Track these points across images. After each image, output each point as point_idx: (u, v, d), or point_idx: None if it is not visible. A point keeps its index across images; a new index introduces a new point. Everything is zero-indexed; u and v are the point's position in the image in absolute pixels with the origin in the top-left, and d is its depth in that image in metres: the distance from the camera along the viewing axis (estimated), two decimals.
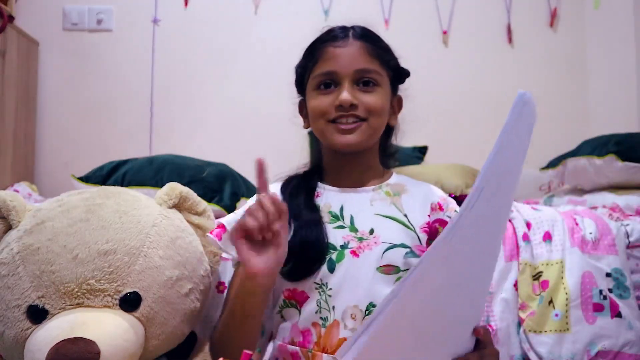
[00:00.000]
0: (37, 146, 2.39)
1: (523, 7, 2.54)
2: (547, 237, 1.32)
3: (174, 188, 0.98)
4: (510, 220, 1.36)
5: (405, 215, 0.95)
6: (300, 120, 1.07)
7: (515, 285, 1.27)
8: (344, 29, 1.02)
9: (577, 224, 1.34)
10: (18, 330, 0.81)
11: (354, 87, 0.95)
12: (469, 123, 2.52)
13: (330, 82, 0.96)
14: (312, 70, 0.99)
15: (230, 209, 1.49)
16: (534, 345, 1.21)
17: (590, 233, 1.32)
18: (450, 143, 2.49)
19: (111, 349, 0.75)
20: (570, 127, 2.51)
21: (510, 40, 2.54)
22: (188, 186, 1.46)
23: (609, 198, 1.63)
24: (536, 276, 1.28)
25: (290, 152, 2.54)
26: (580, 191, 1.85)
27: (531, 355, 1.20)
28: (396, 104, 1.05)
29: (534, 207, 1.42)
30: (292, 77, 2.56)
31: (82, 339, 0.74)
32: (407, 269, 0.88)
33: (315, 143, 1.04)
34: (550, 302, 1.24)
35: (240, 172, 1.68)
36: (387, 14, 2.52)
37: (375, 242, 0.90)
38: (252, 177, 1.74)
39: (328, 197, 0.97)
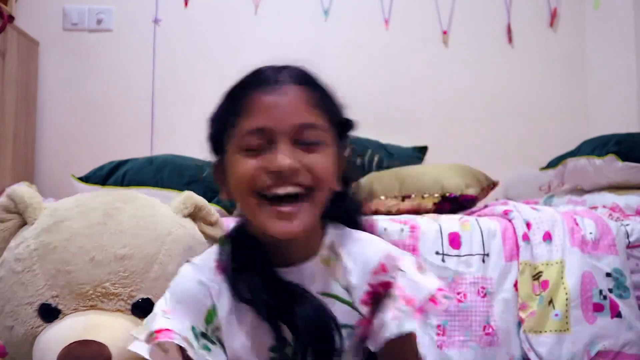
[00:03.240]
0: (37, 146, 2.39)
1: (523, 7, 2.54)
2: (547, 237, 1.32)
3: (190, 197, 0.99)
4: (510, 221, 1.36)
5: (346, 288, 0.78)
6: None
7: (515, 285, 1.27)
8: (277, 71, 0.80)
9: (577, 224, 1.34)
10: (28, 327, 0.81)
11: (294, 146, 0.74)
12: (469, 123, 2.51)
13: (261, 142, 0.74)
14: (235, 124, 0.77)
15: (231, 208, 1.49)
16: (534, 345, 1.20)
17: (590, 233, 1.32)
18: (450, 143, 2.49)
19: (122, 353, 0.75)
20: (570, 127, 2.51)
21: (510, 40, 2.54)
22: (188, 186, 1.47)
23: (609, 198, 1.63)
24: (536, 276, 1.28)
25: None
26: (580, 191, 1.85)
27: (531, 355, 1.20)
28: (342, 162, 0.81)
29: (533, 207, 1.42)
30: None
31: (94, 341, 0.75)
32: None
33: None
34: (550, 302, 1.24)
35: None
36: (387, 14, 2.52)
37: (334, 317, 0.76)
38: None
39: None
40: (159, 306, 0.75)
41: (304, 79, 0.81)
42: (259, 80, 0.80)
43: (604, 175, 1.69)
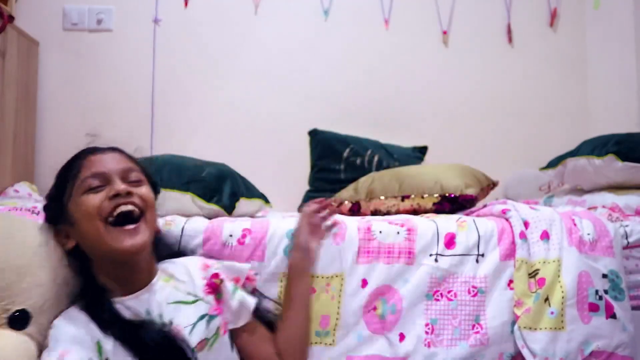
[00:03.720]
0: (37, 146, 2.39)
1: (523, 7, 2.54)
2: (545, 235, 1.32)
3: None
4: (507, 220, 1.36)
5: (188, 292, 1.03)
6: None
7: (509, 284, 1.27)
8: (99, 147, 1.06)
9: (575, 225, 1.34)
10: None
11: (124, 182, 0.99)
12: (469, 123, 2.52)
13: (100, 183, 0.97)
14: (75, 179, 0.98)
15: (230, 208, 1.48)
16: (528, 342, 1.20)
17: (588, 234, 1.32)
18: (450, 143, 2.49)
19: None
20: (570, 127, 2.51)
21: (510, 40, 2.54)
22: (187, 186, 1.47)
23: (609, 198, 1.62)
24: (532, 274, 1.27)
25: (289, 152, 2.57)
26: (580, 191, 1.85)
27: (525, 352, 1.20)
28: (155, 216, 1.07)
29: (532, 206, 1.42)
30: (292, 77, 2.57)
31: None
32: (216, 332, 1.01)
33: (80, 265, 0.98)
34: (547, 299, 1.24)
35: (240, 171, 1.68)
36: (387, 14, 2.52)
37: (179, 330, 0.97)
38: (251, 177, 1.75)
39: (130, 310, 0.97)
40: (52, 357, 0.86)
41: (120, 149, 1.07)
42: (88, 150, 1.04)
43: (603, 175, 1.68)
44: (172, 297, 1.01)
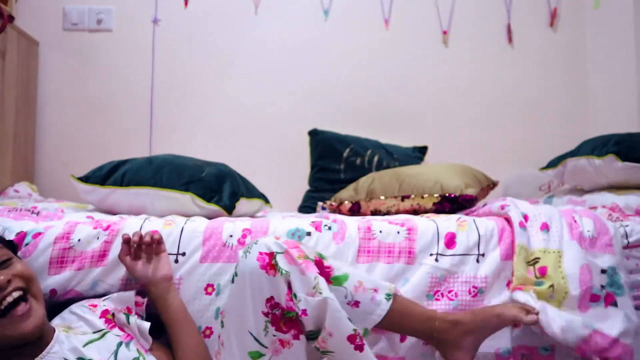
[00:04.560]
0: (37, 146, 2.39)
1: (523, 7, 2.54)
2: (545, 227, 1.31)
3: None
4: (506, 217, 1.36)
5: (94, 332, 1.05)
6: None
7: (508, 284, 1.27)
8: None
9: (575, 221, 1.34)
10: None
11: None
12: (469, 123, 2.52)
13: None
14: None
15: (230, 208, 1.48)
16: (532, 301, 1.18)
17: (588, 231, 1.32)
18: (450, 143, 2.49)
19: None
20: (570, 127, 2.51)
21: (510, 40, 2.54)
22: (187, 186, 1.47)
23: (609, 198, 1.62)
24: (532, 262, 1.27)
25: (289, 152, 2.57)
26: (580, 191, 1.85)
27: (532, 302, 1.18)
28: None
29: (532, 201, 1.42)
30: (292, 77, 2.59)
31: None
32: (139, 352, 1.04)
33: None
34: (551, 286, 1.22)
35: (240, 172, 1.68)
36: (387, 14, 2.52)
37: None
38: (251, 177, 1.75)
39: None
40: None
41: None
42: None
43: (603, 175, 1.68)
44: (82, 340, 1.02)
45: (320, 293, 1.00)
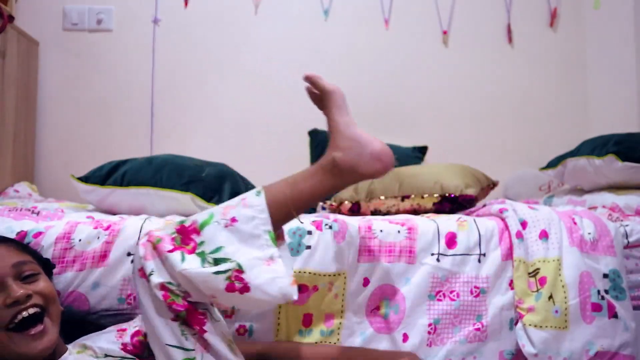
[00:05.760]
0: (37, 146, 2.39)
1: (523, 7, 2.54)
2: (544, 235, 1.32)
3: None
4: (503, 220, 1.36)
5: (105, 355, 1.00)
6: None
7: (510, 284, 1.27)
8: None
9: (575, 224, 1.34)
10: None
11: (18, 283, 0.94)
12: (469, 123, 2.52)
13: None
14: None
15: None
16: (532, 338, 1.19)
17: (589, 233, 1.32)
18: (450, 143, 2.50)
19: None
20: (570, 127, 2.51)
21: (510, 40, 2.54)
22: (187, 186, 1.47)
23: (609, 198, 1.63)
24: (533, 273, 1.27)
25: (289, 152, 2.57)
26: (580, 191, 1.85)
27: (528, 349, 1.19)
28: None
29: (531, 206, 1.42)
30: (292, 77, 2.59)
31: None
32: None
33: None
34: (550, 297, 1.23)
35: (240, 172, 1.68)
36: (387, 14, 2.52)
37: None
38: (251, 177, 1.75)
39: None
40: None
41: (7, 239, 1.02)
42: None
43: (603, 175, 1.69)
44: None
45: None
